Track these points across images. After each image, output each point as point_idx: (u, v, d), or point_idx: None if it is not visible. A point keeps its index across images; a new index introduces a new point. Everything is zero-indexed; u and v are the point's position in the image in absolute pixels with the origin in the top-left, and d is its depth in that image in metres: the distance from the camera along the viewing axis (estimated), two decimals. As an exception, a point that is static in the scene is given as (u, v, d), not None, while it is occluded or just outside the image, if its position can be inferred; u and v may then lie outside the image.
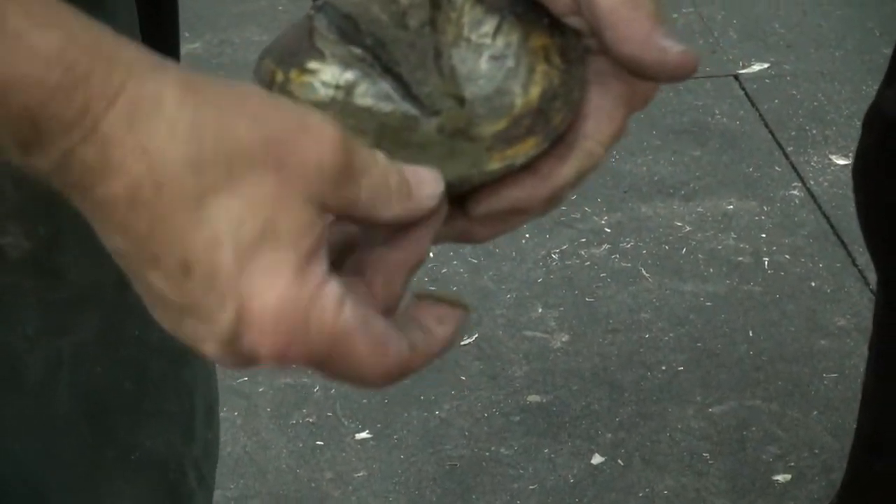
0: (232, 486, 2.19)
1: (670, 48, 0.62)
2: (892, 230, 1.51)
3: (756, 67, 3.49)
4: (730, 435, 2.25)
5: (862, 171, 1.52)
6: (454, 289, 2.62)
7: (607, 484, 2.16)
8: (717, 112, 3.27)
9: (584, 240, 2.79)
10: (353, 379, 0.59)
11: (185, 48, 3.57)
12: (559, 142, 0.66)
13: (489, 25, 0.67)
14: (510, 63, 0.66)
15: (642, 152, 3.11)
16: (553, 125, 0.65)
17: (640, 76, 0.64)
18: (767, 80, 3.42)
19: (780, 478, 2.16)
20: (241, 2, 3.93)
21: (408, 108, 0.65)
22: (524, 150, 0.65)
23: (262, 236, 0.54)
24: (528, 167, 0.65)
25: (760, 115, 3.25)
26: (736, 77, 3.44)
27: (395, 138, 0.64)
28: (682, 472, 2.17)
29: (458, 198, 0.66)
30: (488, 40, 0.67)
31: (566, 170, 0.66)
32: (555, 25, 0.67)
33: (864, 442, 1.68)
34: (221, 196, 0.54)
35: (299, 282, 0.55)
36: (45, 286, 0.90)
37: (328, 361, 0.57)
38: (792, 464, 2.18)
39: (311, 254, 0.55)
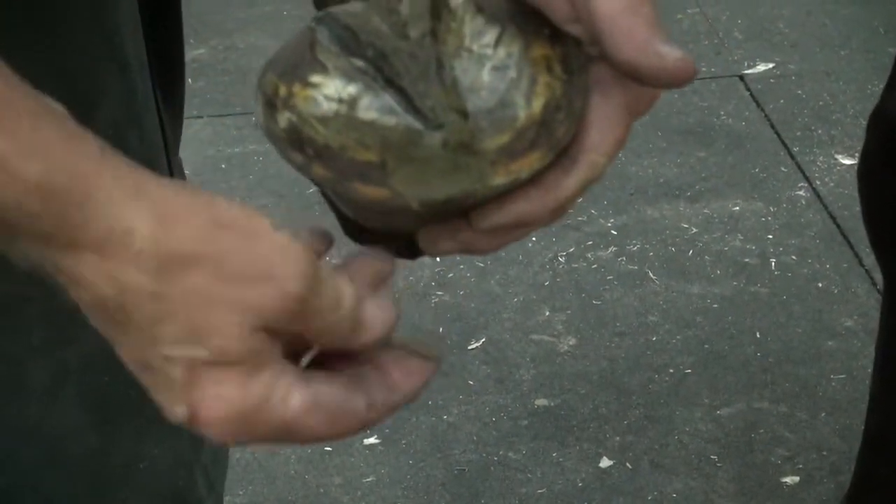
0: (241, 493, 2.19)
1: (668, 54, 0.62)
2: (897, 233, 1.51)
3: (761, 67, 3.48)
4: (738, 437, 2.25)
5: (866, 173, 1.51)
6: (461, 293, 2.63)
7: (616, 487, 2.16)
8: (722, 113, 3.27)
9: (590, 242, 2.79)
10: (313, 443, 0.64)
11: (191, 54, 3.58)
12: (563, 153, 0.66)
13: (490, 36, 0.67)
14: (512, 74, 0.66)
15: (648, 154, 3.11)
16: (557, 137, 0.65)
17: (639, 82, 0.64)
18: (772, 80, 3.42)
19: (789, 480, 2.16)
20: (247, 7, 3.93)
21: (411, 121, 0.65)
22: (529, 164, 0.65)
23: (210, 361, 0.59)
24: (533, 180, 0.66)
25: (766, 115, 3.25)
26: (741, 77, 3.43)
27: (399, 153, 0.64)
28: (690, 475, 2.17)
29: (463, 210, 0.66)
30: (490, 50, 0.67)
31: (571, 182, 0.66)
32: (555, 35, 0.67)
33: (871, 444, 1.67)
34: (176, 323, 0.58)
35: (245, 391, 0.60)
36: (51, 296, 0.90)
37: (284, 440, 0.62)
38: (800, 466, 2.18)
39: (259, 366, 0.60)
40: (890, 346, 1.61)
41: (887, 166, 1.49)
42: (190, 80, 3.42)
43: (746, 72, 3.46)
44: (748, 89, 3.38)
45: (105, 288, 0.57)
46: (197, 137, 3.24)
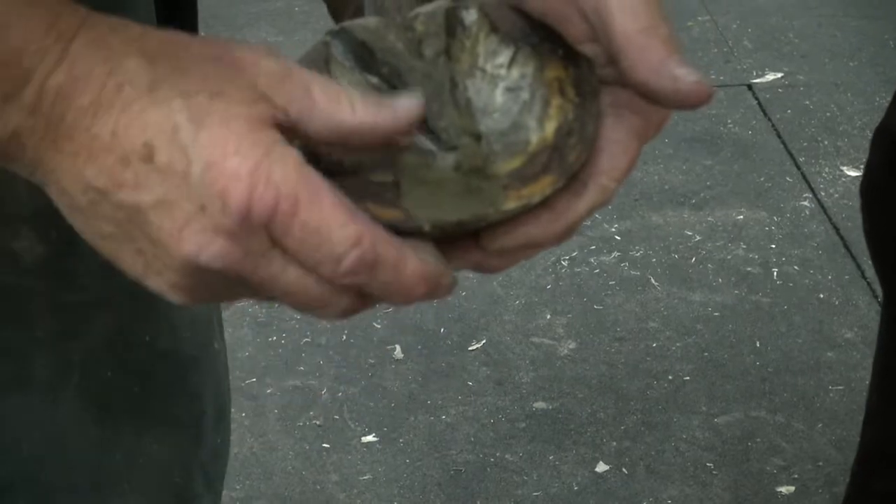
0: (238, 487, 2.20)
1: (684, 77, 0.63)
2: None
3: (770, 77, 3.49)
4: (734, 446, 2.25)
5: (869, 188, 1.52)
6: (463, 294, 2.64)
7: (611, 492, 2.17)
8: (729, 121, 3.27)
9: (593, 247, 2.79)
10: (318, 240, 0.59)
11: (201, 47, 3.59)
12: (574, 177, 0.66)
13: (504, 56, 0.67)
14: (525, 96, 0.66)
15: (654, 160, 3.11)
16: (568, 162, 0.65)
17: (654, 102, 0.65)
18: (781, 90, 3.42)
19: (784, 489, 2.16)
20: (258, 2, 3.94)
21: (424, 141, 0.65)
22: (540, 189, 0.65)
23: (212, 99, 0.58)
24: (544, 203, 0.65)
25: (773, 124, 3.26)
26: (749, 86, 3.44)
27: (411, 175, 0.64)
28: (685, 482, 2.18)
29: (474, 231, 0.66)
30: (503, 71, 0.67)
31: (581, 206, 0.66)
32: (569, 56, 0.67)
33: (866, 459, 1.68)
34: (172, 80, 0.59)
35: (254, 129, 0.58)
36: (57, 290, 0.91)
37: (295, 211, 0.58)
38: (795, 476, 2.19)
39: (262, 120, 0.59)
40: (887, 361, 1.62)
41: (891, 181, 1.49)
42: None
43: (755, 81, 3.46)
44: (756, 98, 3.38)
45: (101, 71, 0.58)
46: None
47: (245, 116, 0.58)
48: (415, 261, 0.62)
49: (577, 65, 0.67)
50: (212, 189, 0.58)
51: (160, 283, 0.62)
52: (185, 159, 0.58)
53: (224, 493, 2.15)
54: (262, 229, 0.59)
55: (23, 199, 0.87)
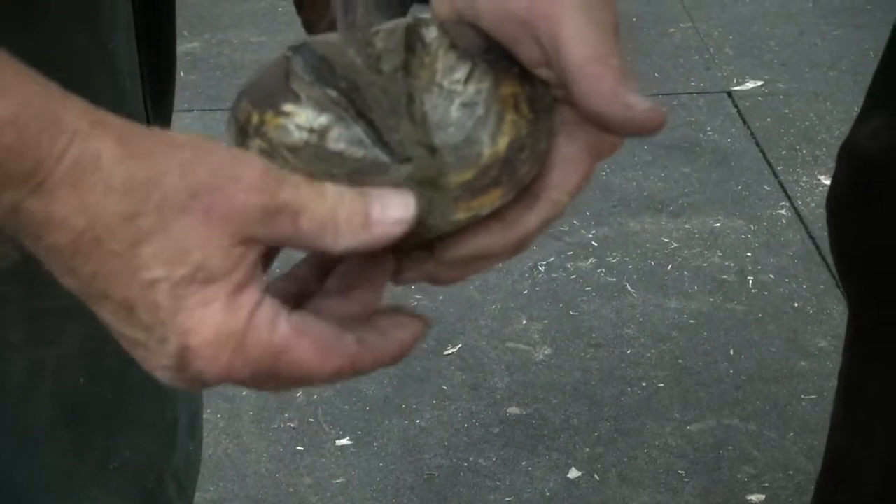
0: (211, 489, 2.21)
1: (636, 104, 0.64)
2: (863, 267, 1.53)
3: (750, 85, 3.51)
4: (706, 453, 2.27)
5: (835, 204, 1.53)
6: (440, 297, 2.65)
7: (583, 498, 2.18)
8: (708, 128, 3.29)
9: (570, 253, 2.81)
10: (303, 383, 0.63)
11: (184, 47, 3.60)
12: (525, 191, 0.67)
13: (461, 72, 0.68)
14: (480, 111, 0.67)
15: (633, 167, 3.13)
16: (519, 176, 0.67)
17: (607, 130, 0.66)
18: (760, 98, 3.44)
19: (754, 498, 2.18)
20: (242, 2, 3.95)
21: (378, 154, 0.66)
22: (489, 201, 0.66)
23: (194, 277, 0.59)
24: (495, 215, 0.67)
25: (752, 132, 3.27)
26: (729, 94, 3.46)
27: (365, 184, 0.66)
28: (657, 489, 2.19)
29: (427, 242, 0.67)
30: (460, 87, 0.68)
31: (532, 219, 0.68)
32: (525, 73, 0.68)
33: (830, 471, 1.69)
34: (154, 243, 0.58)
35: (232, 311, 0.59)
36: (33, 296, 0.92)
37: (275, 373, 0.61)
38: (766, 484, 2.20)
39: (243, 285, 0.60)
40: (851, 374, 1.63)
41: (855, 198, 1.50)
42: (182, 73, 3.43)
43: (735, 88, 3.48)
44: (735, 106, 3.40)
45: (78, 220, 0.57)
46: (186, 131, 3.25)
47: (225, 295, 0.59)
48: (394, 348, 0.65)
49: (532, 82, 0.68)
50: (189, 367, 0.60)
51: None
52: (163, 333, 0.59)
53: (197, 494, 2.16)
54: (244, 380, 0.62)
55: None
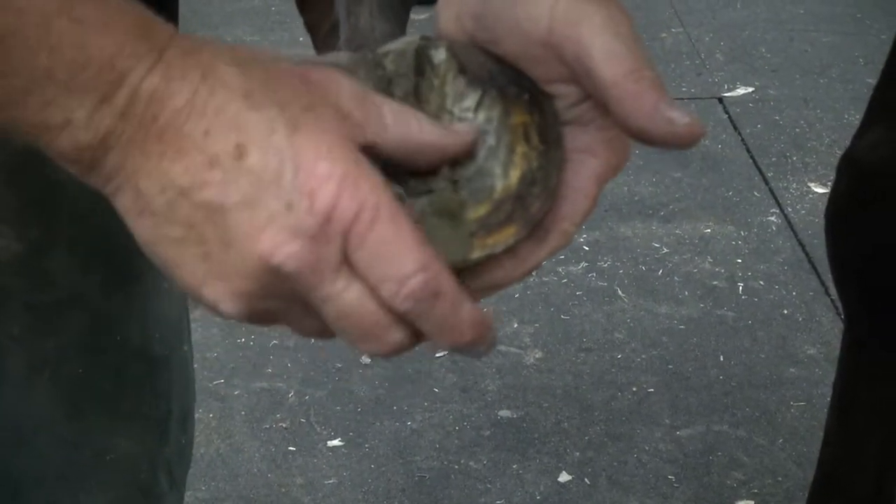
0: (203, 488, 2.21)
1: (678, 119, 0.65)
2: (861, 277, 1.54)
3: (741, 91, 3.52)
4: (696, 459, 2.28)
5: (835, 214, 1.55)
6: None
7: (573, 502, 2.19)
8: (699, 134, 3.30)
9: (562, 257, 2.82)
10: (389, 257, 0.61)
11: (176, 45, 3.59)
12: (537, 226, 0.68)
13: (471, 99, 0.69)
14: (491, 141, 0.68)
15: (624, 172, 3.13)
16: (531, 213, 0.67)
17: (649, 144, 0.67)
18: (751, 105, 3.45)
19: (744, 503, 2.19)
20: (234, 0, 3.94)
21: (392, 186, 0.66)
22: (504, 238, 0.67)
23: (306, 111, 0.61)
24: (508, 251, 0.68)
25: (742, 139, 3.29)
26: (720, 100, 3.47)
27: None
28: (647, 494, 2.20)
29: None
30: (470, 114, 0.68)
31: (543, 252, 0.69)
32: (535, 101, 0.68)
33: (824, 478, 1.71)
34: (265, 90, 0.61)
35: (344, 143, 0.61)
36: (33, 288, 0.93)
37: (374, 224, 0.61)
38: (755, 490, 2.21)
39: (350, 137, 0.62)
40: (847, 384, 1.65)
41: (856, 209, 1.52)
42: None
43: (726, 94, 3.49)
44: (727, 112, 3.41)
45: (195, 75, 0.60)
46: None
47: (335, 130, 0.61)
48: (470, 304, 0.64)
49: (542, 111, 0.68)
50: (301, 189, 0.60)
51: (221, 290, 0.62)
52: (278, 160, 0.60)
53: (189, 493, 2.17)
54: (339, 237, 0.61)
55: (2, 198, 0.88)
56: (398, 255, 0.61)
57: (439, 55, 0.70)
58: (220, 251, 0.61)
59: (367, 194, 0.60)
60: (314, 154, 0.60)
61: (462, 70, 0.69)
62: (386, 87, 0.69)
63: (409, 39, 0.72)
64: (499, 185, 0.67)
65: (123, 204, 0.62)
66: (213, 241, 0.61)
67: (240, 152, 0.60)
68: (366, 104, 0.63)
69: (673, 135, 0.65)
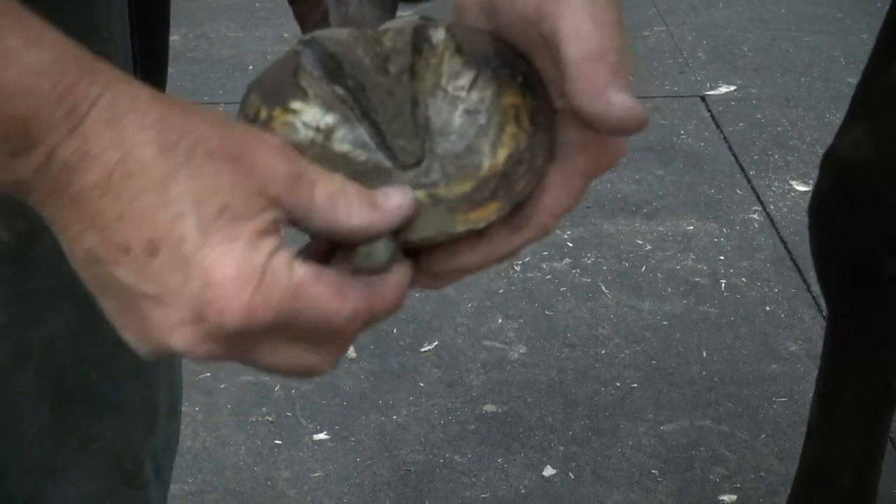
0: (190, 481, 2.22)
1: (619, 102, 0.64)
2: (844, 272, 1.56)
3: (723, 89, 3.54)
4: (679, 453, 2.30)
5: (817, 211, 1.57)
6: (416, 295, 2.67)
7: (558, 496, 2.21)
8: (682, 132, 3.32)
9: (545, 253, 2.83)
10: (324, 328, 0.63)
11: (161, 40, 3.59)
12: (519, 206, 0.68)
13: (466, 78, 0.69)
14: (482, 120, 0.68)
15: (607, 169, 3.16)
16: (516, 191, 0.67)
17: (590, 128, 0.66)
18: (733, 103, 3.48)
19: (726, 498, 2.21)
20: (219, -4, 3.95)
21: (381, 158, 0.67)
22: (486, 214, 0.67)
23: (220, 214, 0.60)
24: (484, 232, 0.68)
25: (725, 137, 3.31)
26: (703, 98, 3.49)
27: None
28: (630, 488, 2.22)
29: (415, 250, 0.69)
30: (464, 93, 0.69)
31: (518, 240, 0.69)
32: (528, 84, 0.69)
33: (807, 473, 1.73)
34: (184, 180, 0.59)
35: (254, 249, 0.60)
36: (21, 277, 0.93)
37: (294, 316, 0.62)
38: (738, 485, 2.23)
39: (264, 231, 0.61)
40: (829, 379, 1.67)
41: (838, 206, 1.54)
42: (159, 66, 3.43)
43: (708, 93, 3.52)
44: (709, 110, 3.43)
45: (112, 154, 0.59)
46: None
47: (248, 232, 0.60)
48: (395, 291, 0.66)
49: (534, 94, 0.69)
50: (210, 306, 0.60)
51: (142, 348, 0.64)
52: (186, 270, 0.60)
53: (176, 486, 2.18)
54: (255, 338, 0.62)
55: None
56: (326, 326, 0.63)
57: (438, 35, 0.71)
58: (134, 319, 0.62)
59: (279, 301, 0.61)
60: (222, 271, 0.60)
61: (459, 50, 0.70)
62: (382, 64, 0.70)
63: (409, 19, 0.72)
64: (486, 163, 0.68)
65: (56, 233, 0.63)
66: (131, 312, 0.62)
67: (151, 248, 0.60)
68: (297, 188, 0.62)
69: (609, 116, 0.64)
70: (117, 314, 0.63)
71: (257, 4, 3.90)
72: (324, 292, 0.62)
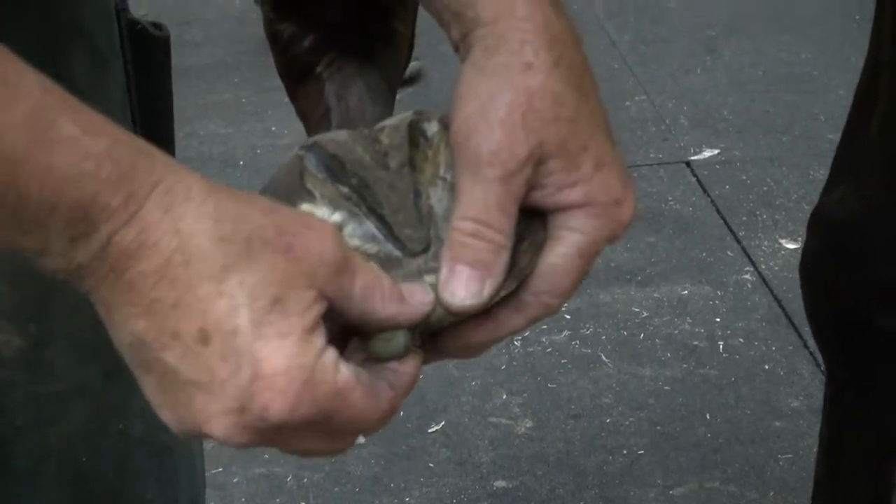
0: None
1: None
2: (838, 328, 1.60)
3: (707, 154, 3.59)
4: (690, 516, 2.32)
5: (808, 270, 1.60)
6: (420, 377, 2.69)
7: (573, 567, 2.23)
8: (670, 198, 3.36)
9: (545, 326, 2.86)
10: (354, 427, 0.67)
11: (152, 141, 3.63)
12: (523, 284, 0.72)
13: None
14: None
15: (599, 239, 3.19)
16: (520, 267, 0.72)
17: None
18: (718, 166, 3.52)
19: (740, 557, 2.23)
20: (206, 93, 3.99)
21: (391, 249, 0.71)
22: None
23: (272, 307, 0.62)
24: (488, 312, 0.72)
25: (712, 200, 3.35)
26: (688, 164, 3.53)
27: None
28: (645, 554, 2.24)
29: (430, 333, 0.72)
30: None
31: (521, 320, 0.74)
32: None
33: (817, 527, 1.75)
34: (240, 272, 0.62)
35: (304, 346, 0.63)
36: (35, 380, 0.95)
37: (330, 416, 0.65)
38: (750, 544, 2.26)
39: (313, 328, 0.64)
40: (833, 433, 1.69)
41: (828, 264, 1.57)
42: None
43: (693, 158, 3.56)
44: (695, 175, 3.47)
45: (170, 242, 0.60)
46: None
47: (299, 330, 0.63)
48: (408, 381, 0.70)
49: None
50: (255, 399, 0.62)
51: (177, 428, 0.66)
52: (238, 361, 0.62)
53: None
54: (293, 432, 0.65)
55: (4, 295, 0.91)
56: (357, 426, 0.67)
57: (432, 128, 0.75)
58: (178, 407, 0.64)
59: (322, 401, 0.63)
60: (272, 363, 0.62)
61: None
62: (382, 160, 0.74)
63: (403, 115, 0.76)
64: None
65: (101, 315, 0.65)
66: (172, 395, 0.64)
67: (203, 337, 0.61)
68: (340, 279, 0.65)
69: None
70: (157, 393, 0.65)
71: (243, 100, 3.95)
72: (361, 396, 0.66)
